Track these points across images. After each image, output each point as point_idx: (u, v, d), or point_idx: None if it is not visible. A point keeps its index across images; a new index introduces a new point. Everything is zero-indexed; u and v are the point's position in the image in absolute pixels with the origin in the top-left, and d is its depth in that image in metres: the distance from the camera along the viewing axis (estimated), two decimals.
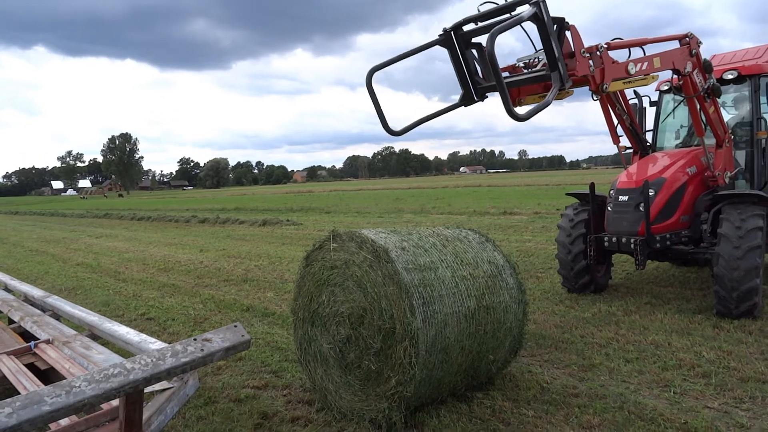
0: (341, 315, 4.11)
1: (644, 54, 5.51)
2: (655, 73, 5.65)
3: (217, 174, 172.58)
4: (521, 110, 4.05)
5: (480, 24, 4.62)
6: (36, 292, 6.04)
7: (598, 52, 4.86)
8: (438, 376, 3.92)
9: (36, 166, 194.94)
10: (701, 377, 4.55)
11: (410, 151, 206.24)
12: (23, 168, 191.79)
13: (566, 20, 4.44)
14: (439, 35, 4.80)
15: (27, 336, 5.02)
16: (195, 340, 2.76)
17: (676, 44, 5.98)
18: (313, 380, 4.44)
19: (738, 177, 7.02)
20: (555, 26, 4.31)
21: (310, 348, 4.44)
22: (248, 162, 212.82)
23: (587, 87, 5.07)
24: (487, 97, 5.01)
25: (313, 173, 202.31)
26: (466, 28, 4.71)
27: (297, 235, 16.32)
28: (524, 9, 4.10)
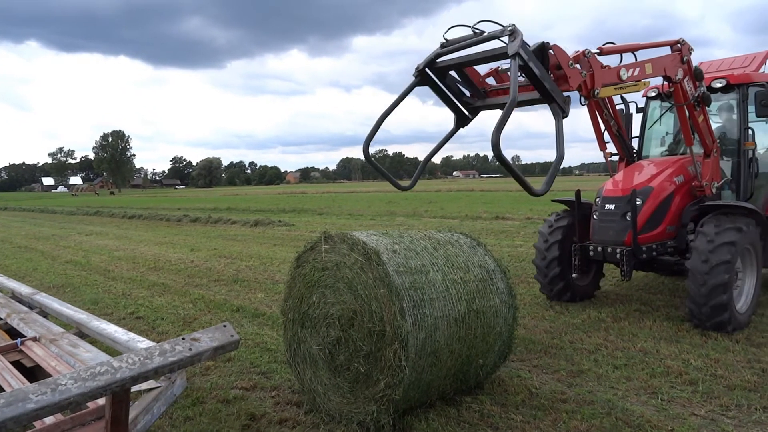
0: (331, 317, 4.10)
1: (636, 59, 5.45)
2: (647, 80, 5.60)
3: (209, 173, 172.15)
4: (538, 185, 3.95)
5: (453, 54, 4.56)
6: (23, 289, 5.99)
7: (585, 57, 4.81)
8: (427, 380, 3.92)
9: (26, 162, 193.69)
10: (688, 384, 4.58)
11: (404, 155, 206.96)
12: (13, 164, 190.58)
13: (546, 42, 4.40)
14: (415, 76, 4.71)
15: (13, 333, 4.98)
16: (183, 339, 2.75)
17: (667, 51, 5.96)
18: (302, 382, 4.43)
19: (724, 187, 6.92)
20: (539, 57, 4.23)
21: (299, 349, 4.43)
22: (241, 162, 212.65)
23: (578, 92, 5.01)
24: (479, 112, 4.99)
25: (306, 174, 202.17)
26: (440, 59, 4.64)
27: (289, 236, 16.28)
28: (502, 39, 4.07)
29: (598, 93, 4.93)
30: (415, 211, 24.17)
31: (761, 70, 7.29)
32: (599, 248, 6.50)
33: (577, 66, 4.66)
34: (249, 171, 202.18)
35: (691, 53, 5.96)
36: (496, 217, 19.79)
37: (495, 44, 4.44)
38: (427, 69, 4.66)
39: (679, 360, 5.10)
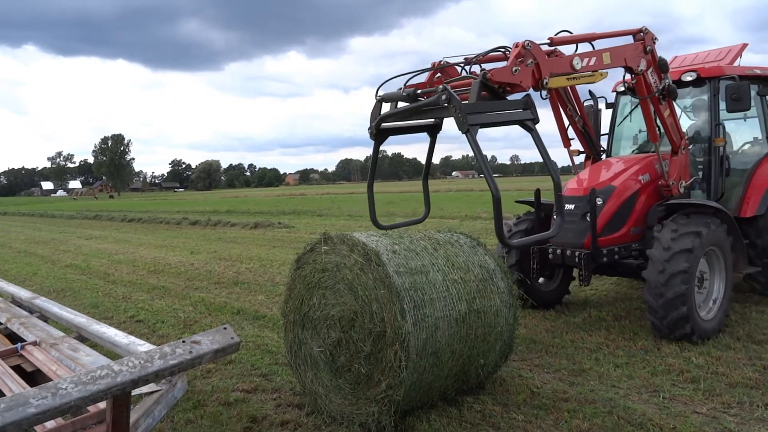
0: (332, 318, 4.10)
1: (593, 48, 5.14)
2: (604, 70, 5.22)
3: (208, 176, 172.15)
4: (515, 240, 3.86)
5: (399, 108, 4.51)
6: (23, 294, 5.98)
7: (526, 49, 4.42)
8: (428, 380, 3.92)
9: (26, 167, 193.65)
10: (690, 382, 4.58)
11: (403, 155, 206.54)
12: (12, 168, 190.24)
13: (482, 76, 4.10)
14: (373, 139, 4.66)
15: (13, 338, 4.97)
16: (184, 342, 2.75)
17: (630, 41, 5.55)
18: (303, 384, 4.42)
19: (694, 187, 6.52)
20: (483, 90, 4.07)
21: (300, 351, 4.42)
22: (240, 164, 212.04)
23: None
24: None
25: (305, 176, 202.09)
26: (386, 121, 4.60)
27: (288, 238, 16.27)
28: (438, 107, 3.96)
29: (547, 83, 4.57)
30: (415, 212, 24.15)
31: (736, 64, 6.98)
32: (558, 251, 6.09)
33: (519, 64, 4.34)
34: (248, 173, 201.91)
35: (655, 43, 5.54)
36: None
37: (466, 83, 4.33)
38: (378, 129, 4.58)
39: (680, 358, 5.09)
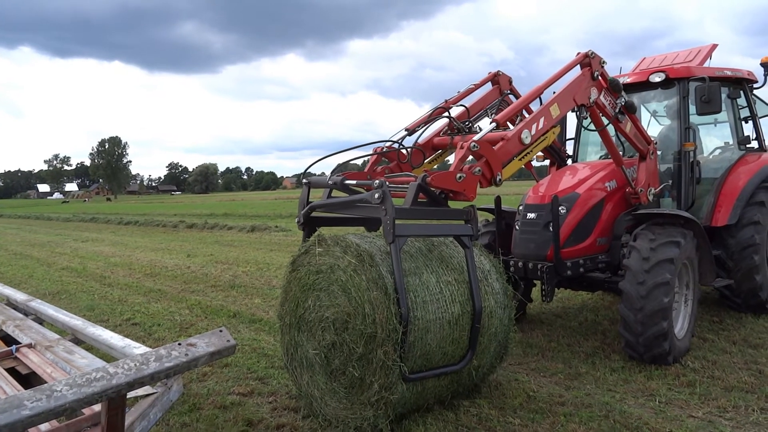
0: (326, 320, 4.09)
1: (541, 102, 4.75)
2: (557, 124, 4.87)
3: (205, 179, 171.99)
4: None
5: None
6: (19, 296, 5.96)
7: (471, 150, 4.02)
8: (421, 382, 3.91)
9: (22, 169, 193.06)
10: (686, 386, 4.59)
11: None
12: (9, 171, 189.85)
13: (423, 178, 3.84)
14: (302, 230, 4.54)
15: (8, 340, 4.95)
16: (179, 344, 2.74)
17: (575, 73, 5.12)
18: (299, 387, 4.41)
19: (664, 194, 6.19)
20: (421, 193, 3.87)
21: (296, 354, 4.42)
22: (237, 168, 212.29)
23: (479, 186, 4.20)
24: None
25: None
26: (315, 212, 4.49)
27: (285, 242, 16.25)
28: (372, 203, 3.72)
29: (500, 179, 4.20)
30: None
31: (707, 65, 6.71)
32: (520, 263, 5.57)
33: (464, 169, 4.01)
34: (245, 177, 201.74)
35: (603, 66, 5.14)
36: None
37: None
38: (309, 217, 4.47)
39: (676, 362, 5.09)
